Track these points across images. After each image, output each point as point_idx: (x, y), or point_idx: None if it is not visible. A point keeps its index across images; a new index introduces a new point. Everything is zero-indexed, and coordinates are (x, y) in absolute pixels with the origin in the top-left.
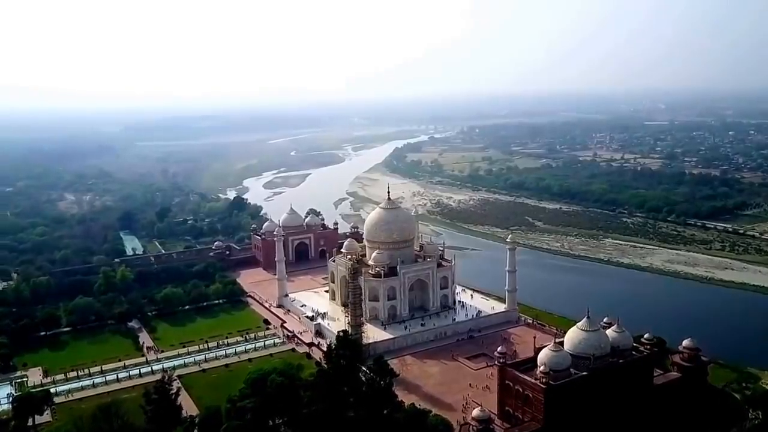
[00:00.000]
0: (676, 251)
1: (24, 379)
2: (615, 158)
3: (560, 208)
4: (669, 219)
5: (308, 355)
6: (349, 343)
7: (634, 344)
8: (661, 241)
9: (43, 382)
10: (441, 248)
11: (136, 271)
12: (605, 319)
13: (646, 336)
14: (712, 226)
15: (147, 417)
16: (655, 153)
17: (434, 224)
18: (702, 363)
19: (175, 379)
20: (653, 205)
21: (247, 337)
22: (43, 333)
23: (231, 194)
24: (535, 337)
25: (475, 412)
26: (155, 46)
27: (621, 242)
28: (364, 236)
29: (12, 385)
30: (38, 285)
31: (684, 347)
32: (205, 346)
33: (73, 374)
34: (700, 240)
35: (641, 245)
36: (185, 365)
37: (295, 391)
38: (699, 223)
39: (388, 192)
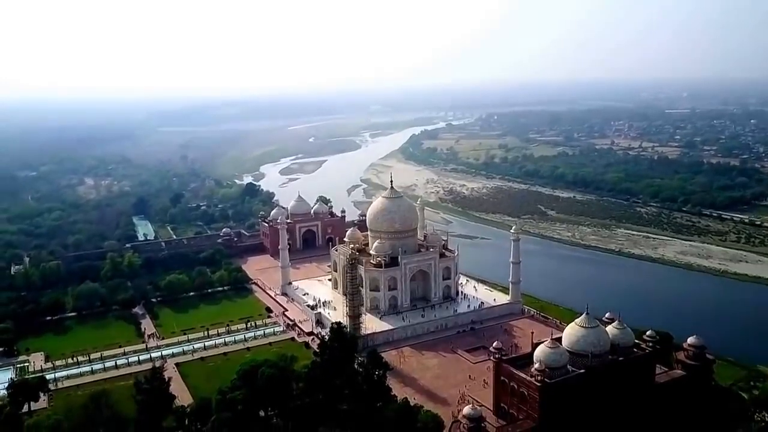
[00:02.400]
0: (690, 242)
1: (26, 364)
2: (633, 147)
3: (574, 197)
4: (684, 209)
5: (307, 345)
6: (343, 335)
7: (636, 341)
8: (674, 231)
9: (44, 367)
10: (444, 238)
11: (144, 257)
12: (607, 315)
13: (648, 333)
14: (729, 217)
15: (138, 407)
16: (674, 141)
17: (445, 212)
18: (707, 361)
19: (166, 369)
20: (668, 195)
21: (248, 326)
22: (48, 318)
23: (248, 180)
24: (532, 333)
25: (466, 409)
26: (184, 38)
27: (633, 232)
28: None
29: (14, 370)
30: (47, 270)
31: (689, 345)
32: (206, 333)
33: (73, 360)
34: (715, 231)
35: (654, 236)
36: (184, 353)
37: (287, 383)
38: (715, 214)
39: (391, 181)
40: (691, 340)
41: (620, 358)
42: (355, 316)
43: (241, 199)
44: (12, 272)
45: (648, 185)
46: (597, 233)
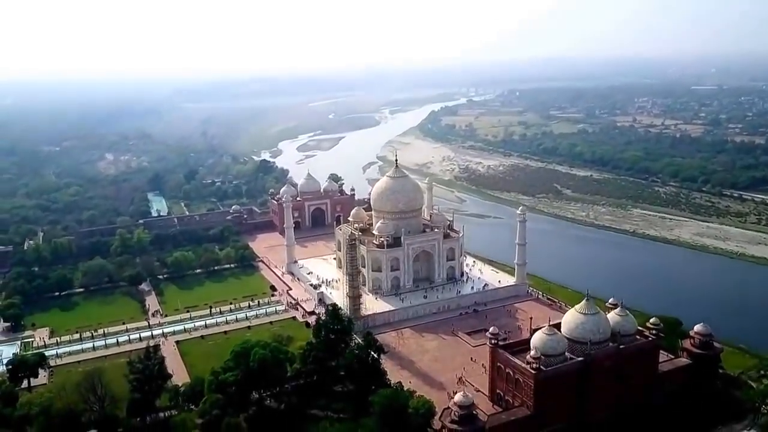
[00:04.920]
0: (708, 224)
1: (30, 340)
2: (655, 124)
3: (591, 175)
4: (704, 189)
5: (307, 324)
6: (339, 316)
7: (640, 328)
8: (692, 212)
9: (48, 343)
10: (450, 218)
11: (154, 233)
12: (610, 301)
13: (652, 320)
14: (750, 198)
15: (131, 386)
16: (698, 119)
17: (460, 190)
18: (714, 350)
19: (164, 345)
20: (688, 175)
21: (251, 304)
22: (56, 294)
23: (265, 156)
24: (531, 318)
25: (458, 396)
26: (213, 20)
27: (649, 213)
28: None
29: (20, 345)
30: (58, 245)
31: (695, 332)
32: (209, 311)
33: (76, 336)
34: (735, 212)
35: (671, 216)
36: (185, 331)
37: (280, 364)
38: (736, 194)
39: (396, 159)
40: (697, 327)
41: (621, 346)
42: (354, 296)
43: (255, 176)
44: (25, 247)
45: (668, 164)
46: (612, 213)
